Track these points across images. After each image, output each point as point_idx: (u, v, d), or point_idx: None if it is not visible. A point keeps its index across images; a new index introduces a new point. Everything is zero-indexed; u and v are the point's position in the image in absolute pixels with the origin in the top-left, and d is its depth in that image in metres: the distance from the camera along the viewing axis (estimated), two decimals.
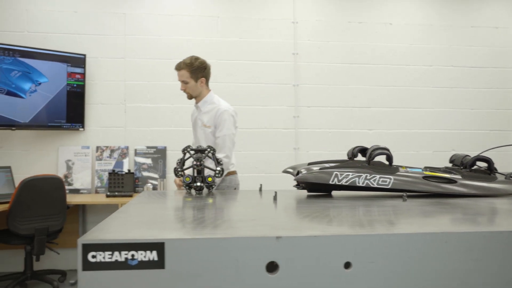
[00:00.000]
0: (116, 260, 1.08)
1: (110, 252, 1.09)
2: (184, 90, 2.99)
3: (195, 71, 2.94)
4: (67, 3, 4.33)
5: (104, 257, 1.08)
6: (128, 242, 1.10)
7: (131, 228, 1.26)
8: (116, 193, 3.97)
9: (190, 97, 3.04)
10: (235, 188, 3.19)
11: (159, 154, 4.31)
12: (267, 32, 4.54)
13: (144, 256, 1.09)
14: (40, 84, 4.03)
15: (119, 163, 4.26)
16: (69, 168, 4.24)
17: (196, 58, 2.98)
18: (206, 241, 1.09)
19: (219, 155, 2.83)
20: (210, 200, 2.08)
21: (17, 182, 3.87)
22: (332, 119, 4.56)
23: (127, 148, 4.31)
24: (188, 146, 2.44)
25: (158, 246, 1.09)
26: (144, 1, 4.42)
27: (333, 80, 4.58)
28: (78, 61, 4.22)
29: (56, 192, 3.53)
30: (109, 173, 4.09)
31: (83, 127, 4.29)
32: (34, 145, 4.26)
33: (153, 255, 1.09)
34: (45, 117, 4.07)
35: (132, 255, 1.09)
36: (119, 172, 4.11)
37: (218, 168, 2.35)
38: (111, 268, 1.08)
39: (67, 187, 4.14)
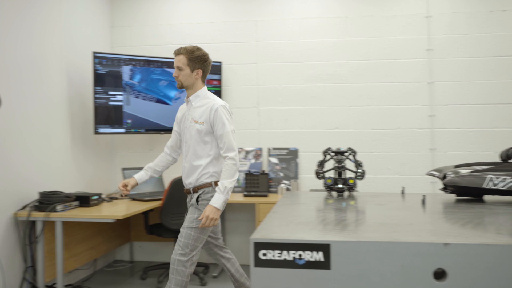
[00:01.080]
0: (285, 259, 1.16)
1: (279, 251, 1.17)
2: (177, 77, 2.74)
3: (194, 59, 2.71)
4: (204, 16, 4.66)
5: (273, 256, 1.17)
6: (296, 242, 1.17)
7: (294, 229, 1.33)
8: (253, 193, 4.16)
9: (180, 86, 2.76)
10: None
11: (292, 155, 4.42)
12: (398, 28, 4.40)
13: (311, 257, 1.15)
14: (183, 91, 4.40)
15: (254, 164, 4.46)
16: None
17: (198, 49, 2.76)
18: (371, 244, 1.12)
19: (229, 154, 2.64)
20: (352, 202, 2.09)
21: (165, 181, 4.28)
22: (472, 117, 4.25)
23: (260, 149, 4.50)
24: (329, 148, 2.48)
25: (324, 248, 1.14)
26: (274, 7, 4.57)
27: (473, 76, 4.27)
28: (215, 68, 4.51)
29: None
30: (246, 174, 4.31)
31: None
32: None
33: (319, 256, 1.15)
34: None
35: (300, 255, 1.16)
36: (255, 173, 4.31)
37: (360, 170, 2.35)
38: (280, 266, 1.16)
39: None
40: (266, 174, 4.30)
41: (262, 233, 1.27)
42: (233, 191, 4.46)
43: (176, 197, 3.69)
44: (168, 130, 4.37)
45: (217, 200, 2.58)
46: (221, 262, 2.96)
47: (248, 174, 4.30)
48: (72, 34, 4.00)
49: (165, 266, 4.07)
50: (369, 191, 3.78)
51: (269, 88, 4.54)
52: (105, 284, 3.92)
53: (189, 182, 2.77)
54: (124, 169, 4.12)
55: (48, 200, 3.25)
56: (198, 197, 2.71)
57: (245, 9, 4.62)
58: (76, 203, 3.40)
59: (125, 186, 2.85)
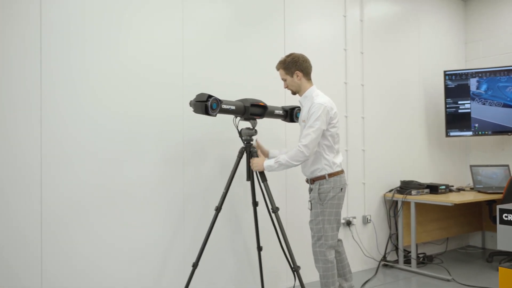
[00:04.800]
0: None
1: None
2: (287, 88, 2.92)
3: (288, 66, 2.85)
4: None
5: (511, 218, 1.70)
6: None
7: None
8: None
9: (293, 92, 2.93)
10: (341, 189, 2.82)
11: None
12: None
13: None
14: None
15: None
16: None
17: (289, 55, 2.88)
18: None
19: (302, 143, 2.69)
20: None
21: None
22: None
23: None
24: None
25: None
26: None
27: None
28: None
29: None
30: None
31: None
32: None
33: None
34: None
35: None
36: None
37: None
38: None
39: None
40: None
41: (509, 206, 1.82)
42: None
43: None
44: None
45: (268, 163, 2.75)
46: None
47: None
48: (427, 55, 4.84)
49: (508, 253, 4.31)
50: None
51: None
52: (454, 259, 4.54)
53: (304, 173, 2.91)
54: (472, 166, 4.61)
55: (406, 186, 4.20)
56: (318, 190, 2.79)
57: None
58: (427, 190, 4.21)
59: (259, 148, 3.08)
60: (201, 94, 2.66)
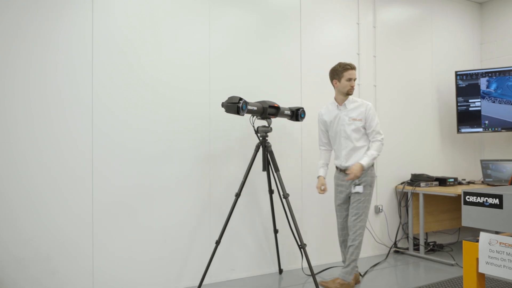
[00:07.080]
0: (478, 201, 1.97)
1: (475, 197, 1.99)
2: (352, 86, 3.29)
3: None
4: None
5: (473, 199, 2.00)
6: (484, 193, 1.96)
7: (497, 190, 2.05)
8: None
9: (350, 92, 3.30)
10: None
11: None
12: None
13: (492, 201, 1.92)
14: None
15: None
16: None
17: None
18: None
19: (379, 137, 3.25)
20: None
21: None
22: None
23: None
24: None
25: (499, 197, 1.89)
26: None
27: None
28: None
29: None
30: None
31: None
32: None
33: (496, 201, 1.91)
34: None
35: (486, 200, 1.95)
36: None
37: None
38: (476, 205, 2.00)
39: None
40: None
41: (472, 189, 2.11)
42: None
43: None
44: None
45: (364, 161, 3.18)
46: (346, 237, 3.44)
47: None
48: (440, 56, 5.04)
49: None
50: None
51: None
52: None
53: (350, 164, 3.27)
54: (482, 160, 4.78)
55: (416, 179, 4.45)
56: (370, 175, 3.29)
57: None
58: (436, 182, 4.44)
59: (323, 189, 3.41)
60: (233, 97, 2.98)
